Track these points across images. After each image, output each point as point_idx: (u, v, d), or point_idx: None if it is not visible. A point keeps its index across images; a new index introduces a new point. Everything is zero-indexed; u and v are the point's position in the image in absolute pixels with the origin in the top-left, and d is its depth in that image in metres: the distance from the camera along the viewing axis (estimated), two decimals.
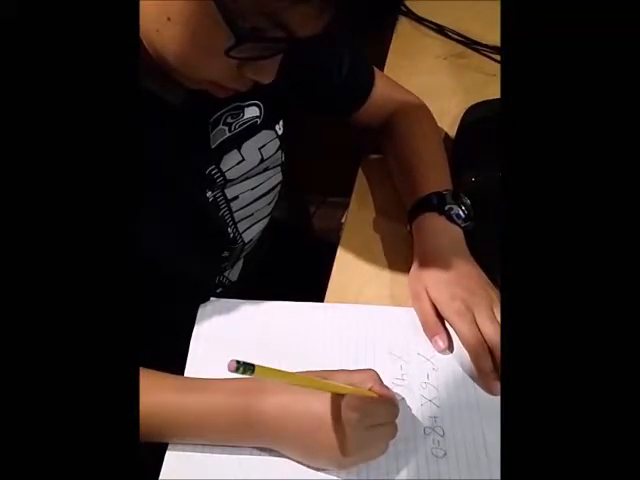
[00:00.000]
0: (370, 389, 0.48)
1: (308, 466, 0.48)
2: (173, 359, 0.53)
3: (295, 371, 0.48)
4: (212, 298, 0.61)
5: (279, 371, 0.43)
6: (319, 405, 0.46)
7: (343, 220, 0.73)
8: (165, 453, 0.49)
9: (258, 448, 0.49)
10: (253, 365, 0.38)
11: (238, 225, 0.64)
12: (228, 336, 0.58)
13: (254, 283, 0.68)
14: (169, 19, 0.42)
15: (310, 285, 0.63)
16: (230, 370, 0.37)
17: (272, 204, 0.67)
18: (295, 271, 0.78)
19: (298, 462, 0.49)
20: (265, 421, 0.47)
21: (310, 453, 0.48)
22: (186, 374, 0.54)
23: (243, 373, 0.38)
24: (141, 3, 0.40)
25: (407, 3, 1.01)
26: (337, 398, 0.46)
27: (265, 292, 0.61)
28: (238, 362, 0.37)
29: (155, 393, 0.48)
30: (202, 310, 0.59)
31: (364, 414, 0.46)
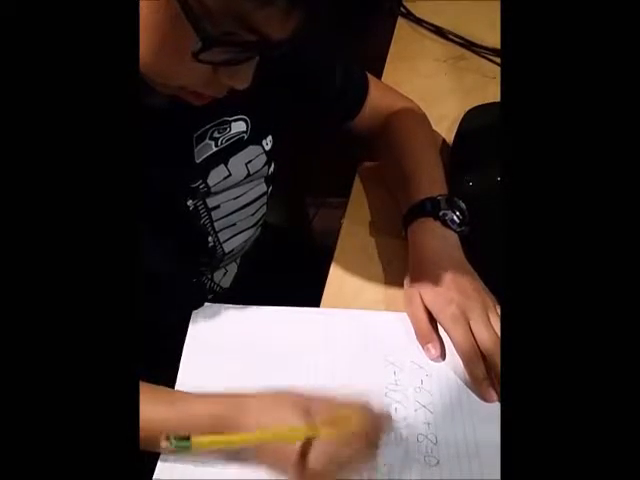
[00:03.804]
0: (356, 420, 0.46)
1: None
2: (164, 365, 0.53)
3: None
4: (206, 303, 0.61)
5: (215, 439, 0.43)
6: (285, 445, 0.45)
7: (343, 221, 0.73)
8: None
9: None
10: (188, 437, 0.38)
11: (219, 234, 0.63)
12: (221, 342, 0.58)
13: (249, 288, 0.68)
14: None
15: (306, 290, 0.63)
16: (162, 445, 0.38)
17: (257, 215, 0.67)
18: (291, 276, 0.77)
19: None
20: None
21: (284, 474, 0.47)
22: (178, 381, 0.54)
23: (178, 444, 0.38)
24: None
25: (406, 4, 1.00)
26: (308, 444, 0.45)
27: (260, 297, 0.61)
28: (168, 437, 0.38)
29: None
30: (195, 316, 0.59)
31: (331, 465, 0.45)
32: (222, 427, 0.47)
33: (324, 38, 0.44)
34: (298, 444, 0.45)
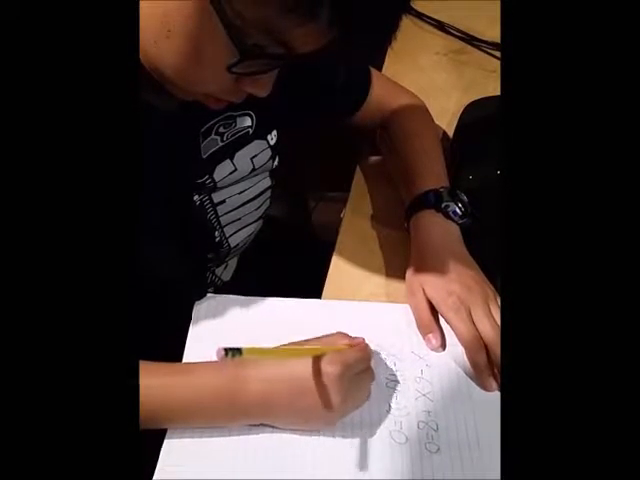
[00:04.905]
0: (344, 344, 0.51)
1: (302, 433, 0.50)
2: (167, 357, 0.53)
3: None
4: (208, 294, 0.61)
5: (264, 349, 0.47)
6: (301, 370, 0.49)
7: (342, 215, 0.74)
8: (163, 441, 0.50)
9: (252, 426, 0.51)
10: (240, 349, 0.42)
11: (225, 229, 0.64)
12: (224, 332, 0.58)
13: (250, 281, 0.68)
14: (169, 32, 0.42)
15: (308, 283, 0.64)
16: (219, 357, 0.41)
17: (261, 209, 0.67)
18: (292, 268, 0.78)
19: (293, 434, 0.50)
20: (251, 396, 0.49)
21: (300, 417, 0.50)
22: None
23: (232, 357, 0.42)
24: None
25: None
26: (317, 360, 0.49)
27: (261, 290, 0.62)
28: (226, 349, 0.42)
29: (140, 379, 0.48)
30: (197, 307, 0.60)
31: (344, 366, 0.49)
32: (227, 394, 0.49)
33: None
34: (307, 364, 0.49)
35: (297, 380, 0.49)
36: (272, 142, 0.63)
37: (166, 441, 0.50)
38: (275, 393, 0.49)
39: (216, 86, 0.47)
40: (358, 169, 0.78)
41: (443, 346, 0.58)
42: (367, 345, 0.53)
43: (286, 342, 0.52)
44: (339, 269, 0.66)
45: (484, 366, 0.54)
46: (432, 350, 0.57)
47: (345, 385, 0.49)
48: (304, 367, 0.49)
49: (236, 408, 0.49)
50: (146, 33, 0.43)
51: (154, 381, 0.49)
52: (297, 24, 0.40)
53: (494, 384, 0.54)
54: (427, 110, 0.76)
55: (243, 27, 0.41)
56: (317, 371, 0.48)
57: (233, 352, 0.43)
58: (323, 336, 0.53)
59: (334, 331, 0.58)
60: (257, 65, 0.44)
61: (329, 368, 0.48)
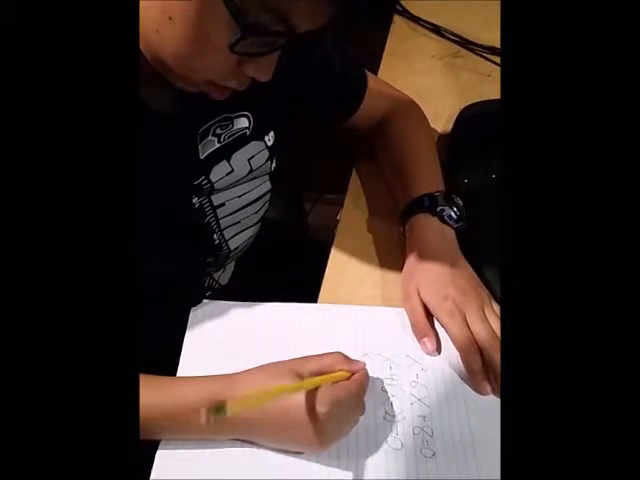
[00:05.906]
0: (341, 369, 0.50)
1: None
2: (163, 363, 0.53)
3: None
4: (204, 300, 0.61)
5: (250, 397, 0.46)
6: (291, 403, 0.47)
7: (338, 217, 0.74)
8: (155, 453, 0.50)
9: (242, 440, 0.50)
10: (224, 407, 0.40)
11: (224, 232, 0.64)
12: (220, 339, 0.58)
13: (247, 285, 0.68)
14: (171, 19, 0.42)
15: (304, 286, 0.64)
16: (203, 420, 0.41)
17: (260, 212, 0.67)
18: (289, 272, 0.78)
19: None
20: (238, 416, 0.47)
21: (285, 445, 0.49)
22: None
23: (217, 414, 0.40)
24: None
25: (403, 2, 1.01)
26: (311, 395, 0.47)
27: (257, 293, 0.62)
28: (207, 413, 0.40)
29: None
30: (194, 313, 0.60)
31: (335, 406, 0.47)
32: (214, 395, 0.48)
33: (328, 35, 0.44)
34: (299, 398, 0.47)
35: (286, 412, 0.47)
36: (269, 143, 0.63)
37: (159, 452, 0.50)
38: (262, 419, 0.48)
39: (218, 70, 0.47)
40: (354, 171, 0.78)
41: (438, 350, 0.58)
42: (365, 375, 0.51)
43: (282, 347, 0.52)
44: (335, 272, 0.66)
45: (478, 370, 0.54)
46: (427, 354, 0.57)
47: (333, 422, 0.48)
48: (294, 401, 0.47)
49: (222, 424, 0.48)
50: (147, 22, 0.43)
51: (143, 395, 0.47)
52: (297, 0, 0.40)
53: (488, 388, 0.54)
54: (423, 113, 0.76)
55: (244, 5, 0.41)
56: (310, 409, 0.47)
57: (217, 410, 0.40)
58: (322, 354, 0.51)
59: (330, 335, 0.58)
60: (258, 44, 0.44)
61: (321, 409, 0.47)
